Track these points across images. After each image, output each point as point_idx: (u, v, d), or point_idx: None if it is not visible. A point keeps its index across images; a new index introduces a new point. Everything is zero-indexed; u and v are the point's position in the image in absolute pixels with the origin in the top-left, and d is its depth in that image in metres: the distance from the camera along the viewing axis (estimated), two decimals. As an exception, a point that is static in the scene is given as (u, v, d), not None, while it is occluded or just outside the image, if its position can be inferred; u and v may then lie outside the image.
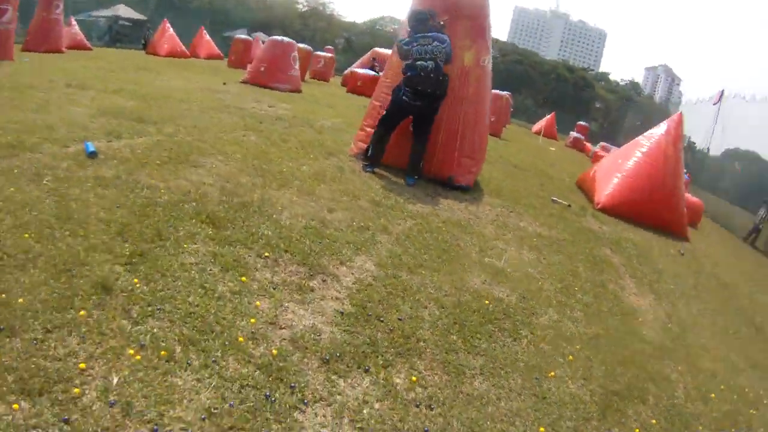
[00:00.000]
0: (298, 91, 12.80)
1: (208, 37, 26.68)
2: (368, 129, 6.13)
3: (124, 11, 32.40)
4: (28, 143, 3.88)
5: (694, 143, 26.32)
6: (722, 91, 20.81)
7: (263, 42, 20.90)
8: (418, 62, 5.23)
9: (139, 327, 2.09)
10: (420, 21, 5.41)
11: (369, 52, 23.13)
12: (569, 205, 7.08)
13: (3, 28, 11.50)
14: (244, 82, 12.32)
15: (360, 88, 17.28)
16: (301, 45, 19.79)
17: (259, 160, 4.88)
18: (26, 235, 2.51)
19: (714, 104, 21.48)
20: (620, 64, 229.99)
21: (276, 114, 8.16)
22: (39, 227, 2.61)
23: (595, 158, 21.73)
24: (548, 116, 27.60)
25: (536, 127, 28.06)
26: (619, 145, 27.94)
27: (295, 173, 4.76)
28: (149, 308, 2.22)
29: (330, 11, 51.01)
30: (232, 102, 8.50)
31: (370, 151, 5.73)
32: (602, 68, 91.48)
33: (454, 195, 5.61)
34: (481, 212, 5.34)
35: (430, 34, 5.33)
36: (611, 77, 62.58)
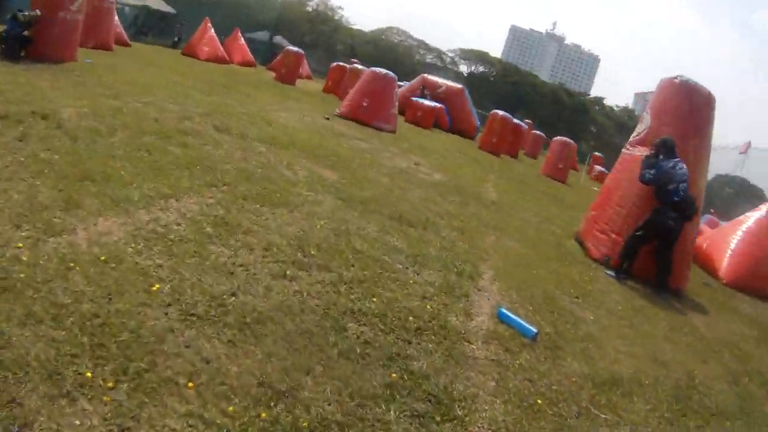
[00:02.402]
0: (395, 131, 12.74)
1: (243, 40, 25.46)
2: (611, 234, 6.38)
3: (153, 2, 30.00)
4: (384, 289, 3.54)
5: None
6: (749, 143, 22.21)
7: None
8: (681, 185, 5.63)
9: None
10: (671, 148, 5.84)
11: (417, 79, 22.90)
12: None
13: (71, 18, 9.52)
14: (342, 116, 12.13)
15: (420, 119, 17.53)
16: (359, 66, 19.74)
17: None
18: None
19: (741, 153, 22.85)
20: (610, 89, 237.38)
21: (434, 180, 8.25)
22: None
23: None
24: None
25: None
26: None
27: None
28: None
29: (338, 17, 50.60)
30: (382, 158, 8.62)
31: (624, 265, 5.99)
32: (593, 92, 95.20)
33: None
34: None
35: (676, 159, 5.76)
36: (605, 102, 65.07)
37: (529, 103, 52.66)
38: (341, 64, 22.43)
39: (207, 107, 8.15)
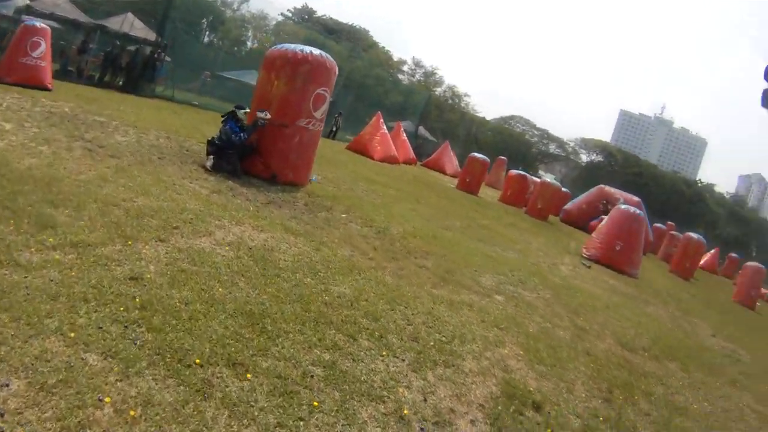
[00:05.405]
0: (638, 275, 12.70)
1: (405, 136, 25.02)
2: None
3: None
4: None
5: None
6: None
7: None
8: None
9: None
10: None
11: (595, 190, 21.32)
12: None
13: (313, 129, 7.85)
14: (592, 259, 12.15)
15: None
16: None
17: None
18: None
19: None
20: (713, 170, 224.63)
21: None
22: None
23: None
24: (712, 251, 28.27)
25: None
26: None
27: None
28: None
29: (465, 104, 51.66)
30: (703, 339, 8.54)
31: None
32: (699, 175, 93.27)
33: None
34: None
35: None
36: (716, 188, 63.61)
37: (649, 195, 51.82)
38: (522, 173, 21.94)
39: (524, 274, 7.65)
